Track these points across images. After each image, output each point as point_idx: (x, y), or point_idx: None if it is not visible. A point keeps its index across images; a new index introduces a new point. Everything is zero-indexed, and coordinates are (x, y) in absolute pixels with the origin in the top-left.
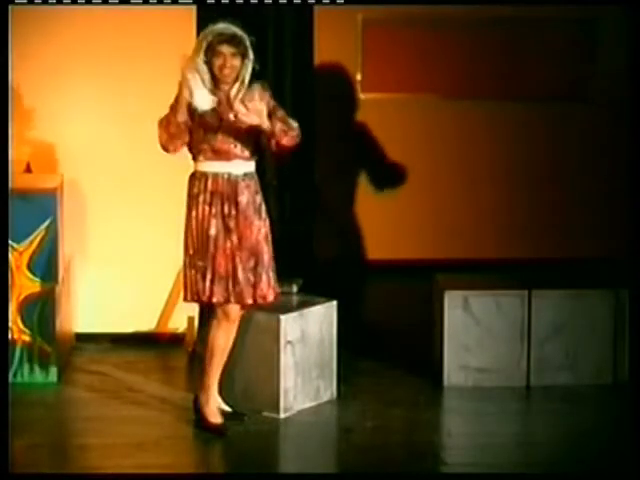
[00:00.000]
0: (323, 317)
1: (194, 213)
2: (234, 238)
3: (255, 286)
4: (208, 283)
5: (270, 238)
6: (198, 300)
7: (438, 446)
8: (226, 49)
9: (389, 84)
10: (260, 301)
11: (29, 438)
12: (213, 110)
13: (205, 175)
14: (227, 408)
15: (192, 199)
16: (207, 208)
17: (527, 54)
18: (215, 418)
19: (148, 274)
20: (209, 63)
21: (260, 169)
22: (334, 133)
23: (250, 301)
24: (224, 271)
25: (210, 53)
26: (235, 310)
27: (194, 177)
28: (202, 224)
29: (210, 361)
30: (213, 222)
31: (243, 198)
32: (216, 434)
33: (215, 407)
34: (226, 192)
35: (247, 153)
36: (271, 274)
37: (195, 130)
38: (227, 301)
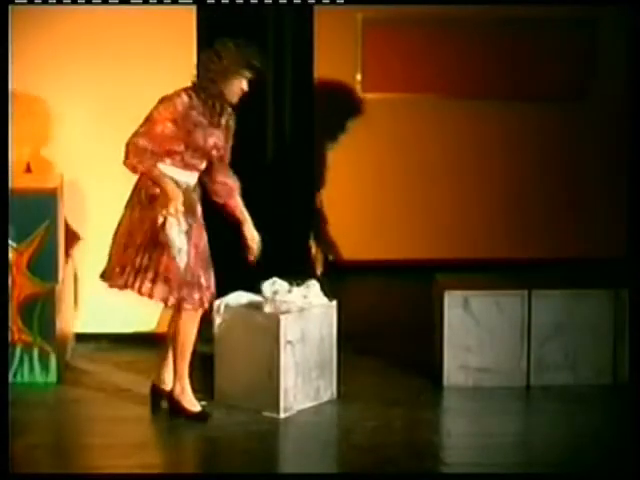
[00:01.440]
0: (323, 317)
1: (151, 213)
2: (191, 246)
3: (208, 290)
4: (148, 284)
5: None
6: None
7: (438, 446)
8: (250, 75)
9: (389, 84)
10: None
11: (29, 438)
12: (204, 133)
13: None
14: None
15: (150, 199)
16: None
17: (527, 54)
18: (194, 406)
19: None
20: (220, 82)
21: (260, 165)
22: (334, 133)
23: (207, 305)
24: (171, 275)
25: (229, 74)
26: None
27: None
28: (154, 228)
29: (181, 350)
30: (167, 226)
31: (198, 208)
32: (200, 420)
33: (192, 396)
34: (187, 201)
35: (203, 167)
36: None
37: (178, 141)
38: (164, 303)
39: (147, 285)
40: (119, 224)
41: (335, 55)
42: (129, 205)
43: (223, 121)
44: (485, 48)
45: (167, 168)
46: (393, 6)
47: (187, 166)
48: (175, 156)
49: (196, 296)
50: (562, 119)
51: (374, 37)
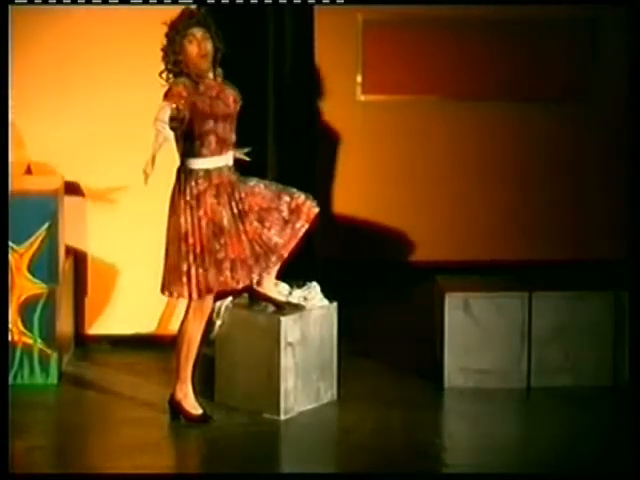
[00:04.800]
0: (323, 319)
1: (201, 211)
2: (240, 225)
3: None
4: (228, 272)
5: None
6: (209, 292)
7: (439, 447)
8: (197, 31)
9: (389, 85)
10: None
11: (29, 439)
12: (218, 99)
13: (209, 171)
14: None
15: (198, 197)
16: (215, 201)
17: (528, 54)
18: (196, 410)
19: (148, 275)
20: (180, 53)
21: (260, 166)
22: (334, 135)
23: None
24: (244, 256)
25: (180, 41)
26: (209, 302)
27: (197, 175)
28: (213, 219)
29: (186, 354)
30: (224, 214)
31: (240, 187)
32: (201, 423)
33: (193, 399)
34: (230, 183)
35: (235, 139)
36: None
37: (204, 120)
38: (251, 283)
39: (227, 274)
40: (170, 236)
41: (335, 56)
42: (173, 213)
43: (221, 86)
44: (486, 49)
45: (205, 161)
46: (393, 6)
47: (223, 144)
48: (209, 138)
49: (273, 258)
50: (562, 119)
51: (374, 38)
